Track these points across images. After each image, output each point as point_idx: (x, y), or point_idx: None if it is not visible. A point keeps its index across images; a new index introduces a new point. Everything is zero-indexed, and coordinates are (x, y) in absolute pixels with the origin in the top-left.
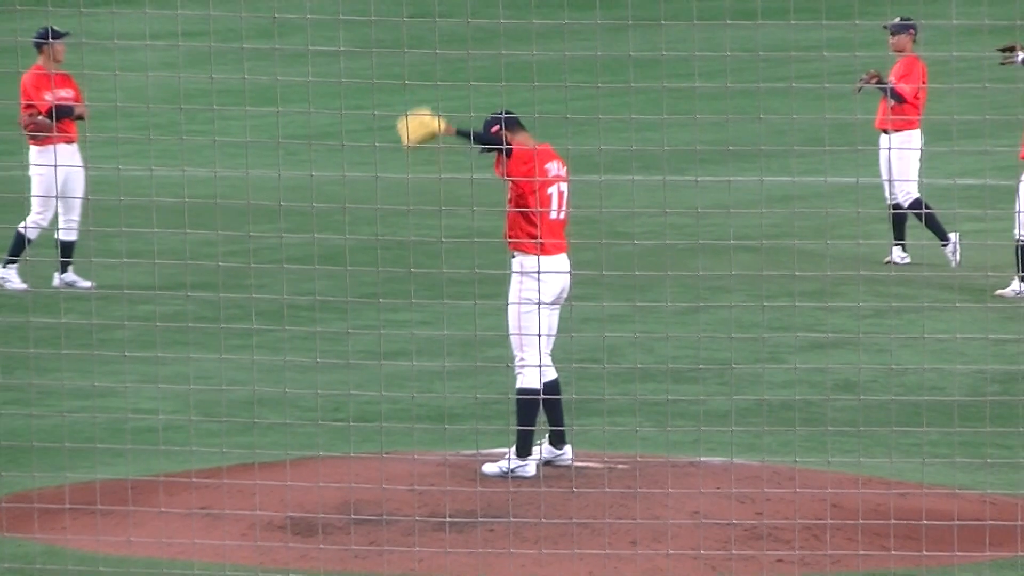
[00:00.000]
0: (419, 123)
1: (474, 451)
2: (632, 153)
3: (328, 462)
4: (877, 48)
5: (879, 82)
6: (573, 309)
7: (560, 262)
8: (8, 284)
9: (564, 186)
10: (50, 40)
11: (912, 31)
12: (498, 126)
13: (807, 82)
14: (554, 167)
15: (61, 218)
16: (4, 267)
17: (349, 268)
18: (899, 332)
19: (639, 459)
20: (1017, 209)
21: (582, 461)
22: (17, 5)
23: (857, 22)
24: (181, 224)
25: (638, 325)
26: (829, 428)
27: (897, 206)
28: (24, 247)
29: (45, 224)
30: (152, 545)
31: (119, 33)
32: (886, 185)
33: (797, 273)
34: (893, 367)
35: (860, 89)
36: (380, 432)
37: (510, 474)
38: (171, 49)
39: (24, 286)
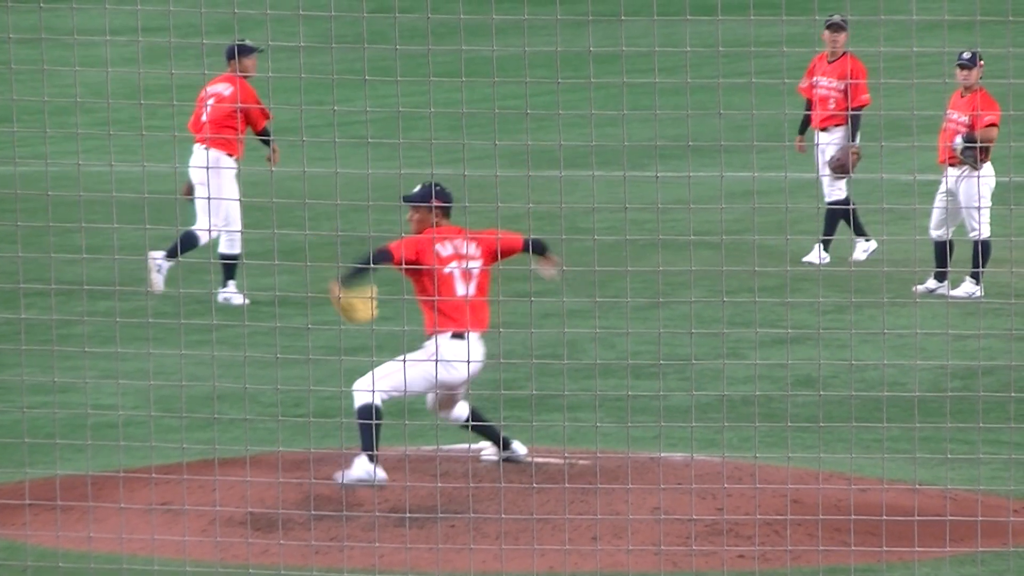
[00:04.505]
0: (351, 307)
1: (434, 447)
2: (592, 148)
3: (288, 457)
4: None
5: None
6: (533, 305)
7: (470, 346)
8: (157, 273)
9: (473, 263)
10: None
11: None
12: (430, 203)
13: (767, 77)
14: (449, 247)
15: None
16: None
17: (309, 264)
18: (859, 328)
19: (599, 455)
20: (934, 205)
21: (542, 457)
22: None
23: (817, 17)
24: (140, 220)
25: (598, 321)
26: (789, 424)
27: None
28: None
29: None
30: (112, 541)
31: (79, 28)
32: (823, 181)
33: (757, 269)
34: (853, 363)
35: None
36: (340, 428)
37: (373, 482)
38: (131, 45)
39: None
